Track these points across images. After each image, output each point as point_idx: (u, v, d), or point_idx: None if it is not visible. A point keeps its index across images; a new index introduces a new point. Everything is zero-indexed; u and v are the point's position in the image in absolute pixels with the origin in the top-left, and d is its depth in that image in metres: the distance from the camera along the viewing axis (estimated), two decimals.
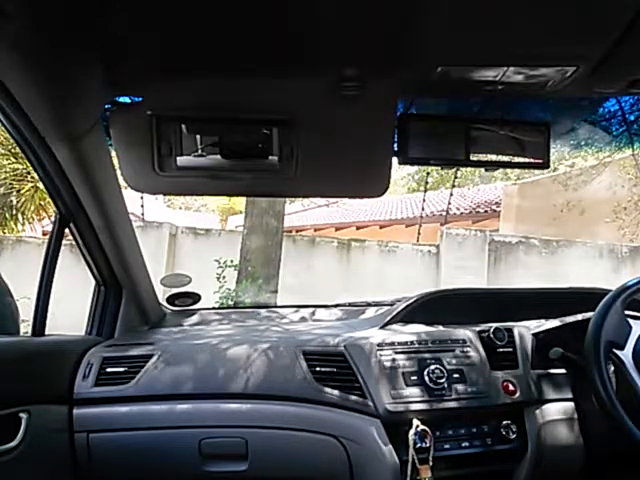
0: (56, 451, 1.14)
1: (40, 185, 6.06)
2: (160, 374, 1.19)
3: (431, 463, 1.06)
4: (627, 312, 1.16)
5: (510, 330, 1.30)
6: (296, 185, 0.93)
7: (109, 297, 1.38)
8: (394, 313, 1.40)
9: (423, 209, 7.27)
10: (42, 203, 6.17)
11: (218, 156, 0.85)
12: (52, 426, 1.12)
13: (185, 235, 5.90)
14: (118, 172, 0.98)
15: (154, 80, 0.80)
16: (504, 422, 1.17)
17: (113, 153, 0.99)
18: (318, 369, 1.18)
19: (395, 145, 0.90)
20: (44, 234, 7.09)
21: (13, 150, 5.91)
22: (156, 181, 0.88)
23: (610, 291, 1.16)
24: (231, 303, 4.65)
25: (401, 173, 14.67)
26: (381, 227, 8.84)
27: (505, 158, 0.95)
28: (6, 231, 6.15)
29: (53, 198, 1.07)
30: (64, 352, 1.22)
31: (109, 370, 1.20)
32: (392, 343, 1.22)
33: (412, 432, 1.07)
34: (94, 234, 1.17)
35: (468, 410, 1.15)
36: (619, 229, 6.72)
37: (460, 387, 1.16)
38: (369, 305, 1.67)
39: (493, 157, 0.95)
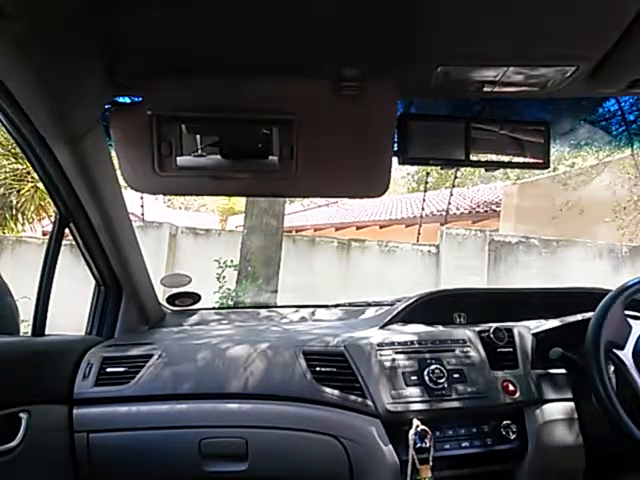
0: (56, 451, 1.14)
1: (40, 185, 6.06)
2: (160, 374, 1.19)
3: (431, 463, 1.06)
4: (627, 312, 1.16)
5: (510, 330, 1.30)
6: (296, 185, 0.93)
7: (109, 297, 1.38)
8: (394, 313, 1.40)
9: (423, 209, 7.27)
10: (42, 203, 6.17)
11: (218, 156, 0.85)
12: (52, 426, 1.12)
13: (185, 235, 5.90)
14: (118, 172, 0.98)
15: (154, 80, 0.80)
16: (504, 422, 1.17)
17: (113, 153, 0.99)
18: (318, 369, 1.18)
19: (395, 145, 0.90)
20: (44, 234, 7.08)
21: (13, 150, 5.91)
22: (156, 181, 0.88)
23: (610, 291, 1.16)
24: (231, 303, 4.65)
25: (401, 173, 14.69)
26: (381, 227, 8.84)
27: (505, 158, 0.95)
28: (6, 231, 6.15)
29: (53, 198, 1.07)
30: (64, 352, 1.22)
31: (109, 370, 1.20)
32: (392, 343, 1.22)
33: (412, 432, 1.07)
34: (94, 234, 1.17)
35: (468, 410, 1.15)
36: (619, 229, 6.72)
37: (460, 387, 1.16)
38: (369, 305, 1.67)
39: (493, 157, 0.95)
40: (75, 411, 1.15)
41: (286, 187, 0.97)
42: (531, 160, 0.96)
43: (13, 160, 6.08)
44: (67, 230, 1.15)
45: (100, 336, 1.37)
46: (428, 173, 7.66)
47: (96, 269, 1.30)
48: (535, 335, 1.30)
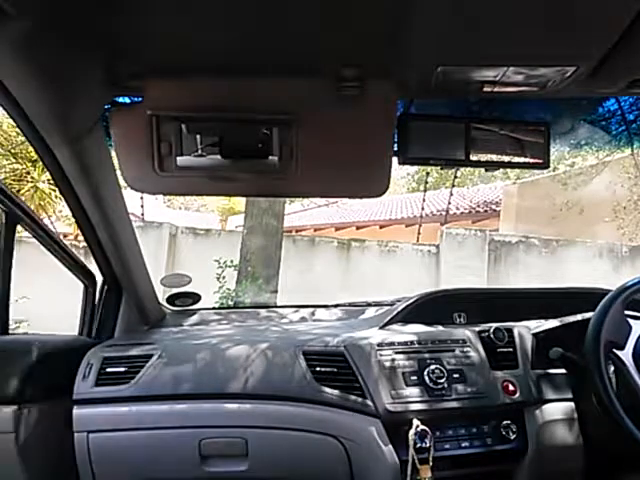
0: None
1: (40, 185, 6.07)
2: (160, 374, 1.19)
3: (431, 463, 1.06)
4: (627, 312, 1.16)
5: (510, 330, 1.30)
6: (296, 185, 0.93)
7: (109, 297, 1.38)
8: (394, 313, 1.41)
9: (423, 209, 7.27)
10: (42, 203, 6.17)
11: (218, 156, 0.85)
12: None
13: (185, 235, 5.90)
14: (118, 172, 0.98)
15: (154, 80, 0.80)
16: (504, 422, 1.17)
17: (113, 153, 0.99)
18: (318, 369, 1.18)
19: (395, 145, 0.90)
20: None
21: (13, 150, 5.92)
22: (156, 181, 0.88)
23: (610, 291, 1.16)
24: (231, 303, 4.65)
25: (401, 173, 14.70)
26: (381, 227, 8.84)
27: (505, 158, 0.95)
28: None
29: None
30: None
31: (109, 370, 1.20)
32: (392, 343, 1.22)
33: (412, 432, 1.07)
34: (94, 234, 1.17)
35: (468, 410, 1.15)
36: (618, 228, 6.72)
37: (460, 387, 1.16)
38: (369, 305, 1.67)
39: (493, 157, 0.95)
40: (75, 411, 1.15)
41: (286, 187, 0.96)
42: (531, 160, 0.96)
43: (13, 160, 6.08)
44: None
45: (100, 336, 1.37)
46: (428, 173, 7.66)
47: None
48: (535, 335, 1.30)
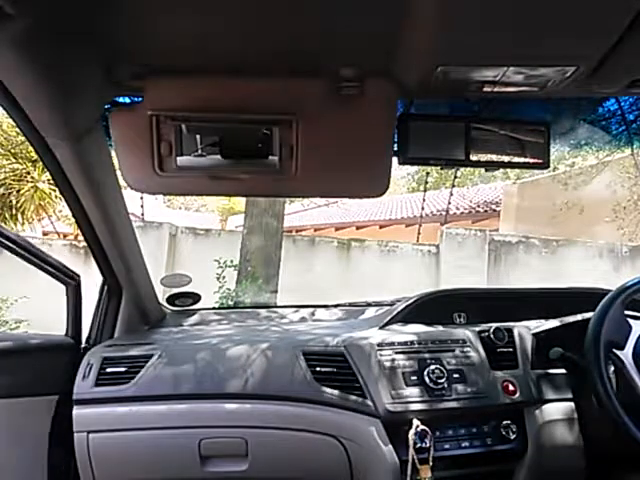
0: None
1: (40, 185, 6.08)
2: (160, 374, 1.19)
3: (431, 463, 1.06)
4: (627, 312, 1.16)
5: (510, 330, 1.30)
6: (296, 185, 0.93)
7: (109, 297, 1.38)
8: (394, 313, 1.41)
9: (423, 209, 7.27)
10: (42, 203, 6.17)
11: (218, 156, 0.85)
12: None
13: (185, 235, 5.90)
14: (118, 172, 0.98)
15: (154, 80, 0.80)
16: (504, 422, 1.17)
17: (113, 153, 0.99)
18: (318, 369, 1.18)
19: (395, 145, 0.90)
20: (44, 234, 7.09)
21: (13, 150, 5.92)
22: (156, 181, 0.88)
23: (610, 291, 1.17)
24: (231, 303, 4.65)
25: (401, 173, 14.70)
26: (381, 227, 8.85)
27: (505, 158, 0.95)
28: None
29: None
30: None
31: (109, 370, 1.20)
32: (392, 343, 1.22)
33: (412, 432, 1.07)
34: (94, 234, 1.17)
35: (468, 410, 1.15)
36: (618, 228, 6.72)
37: (460, 387, 1.16)
38: (369, 305, 1.67)
39: (493, 157, 0.95)
40: (75, 411, 1.15)
41: (286, 187, 0.96)
42: (531, 160, 0.96)
43: (13, 160, 6.08)
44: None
45: (100, 336, 1.36)
46: (428, 173, 7.66)
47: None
48: (535, 335, 1.30)
